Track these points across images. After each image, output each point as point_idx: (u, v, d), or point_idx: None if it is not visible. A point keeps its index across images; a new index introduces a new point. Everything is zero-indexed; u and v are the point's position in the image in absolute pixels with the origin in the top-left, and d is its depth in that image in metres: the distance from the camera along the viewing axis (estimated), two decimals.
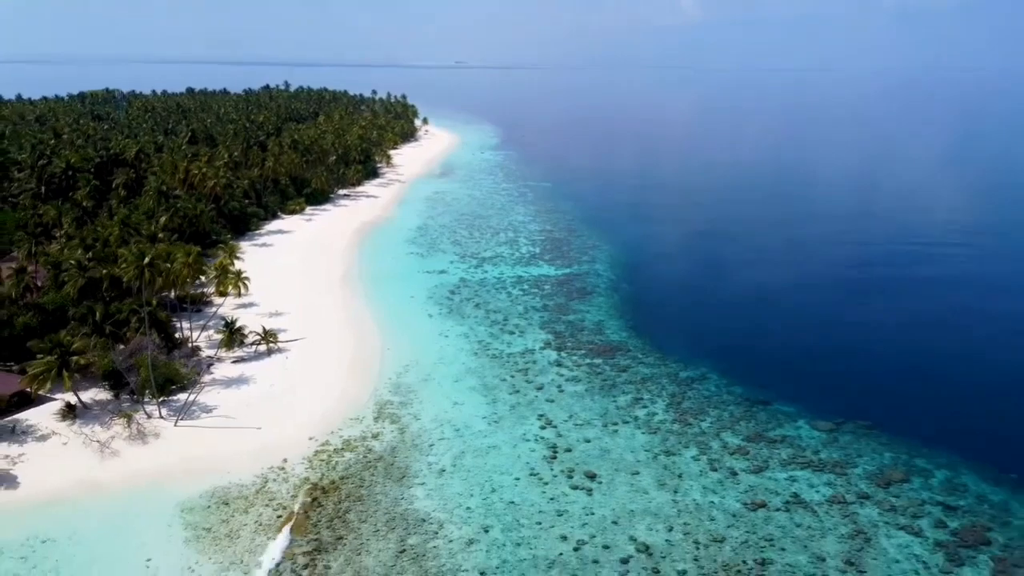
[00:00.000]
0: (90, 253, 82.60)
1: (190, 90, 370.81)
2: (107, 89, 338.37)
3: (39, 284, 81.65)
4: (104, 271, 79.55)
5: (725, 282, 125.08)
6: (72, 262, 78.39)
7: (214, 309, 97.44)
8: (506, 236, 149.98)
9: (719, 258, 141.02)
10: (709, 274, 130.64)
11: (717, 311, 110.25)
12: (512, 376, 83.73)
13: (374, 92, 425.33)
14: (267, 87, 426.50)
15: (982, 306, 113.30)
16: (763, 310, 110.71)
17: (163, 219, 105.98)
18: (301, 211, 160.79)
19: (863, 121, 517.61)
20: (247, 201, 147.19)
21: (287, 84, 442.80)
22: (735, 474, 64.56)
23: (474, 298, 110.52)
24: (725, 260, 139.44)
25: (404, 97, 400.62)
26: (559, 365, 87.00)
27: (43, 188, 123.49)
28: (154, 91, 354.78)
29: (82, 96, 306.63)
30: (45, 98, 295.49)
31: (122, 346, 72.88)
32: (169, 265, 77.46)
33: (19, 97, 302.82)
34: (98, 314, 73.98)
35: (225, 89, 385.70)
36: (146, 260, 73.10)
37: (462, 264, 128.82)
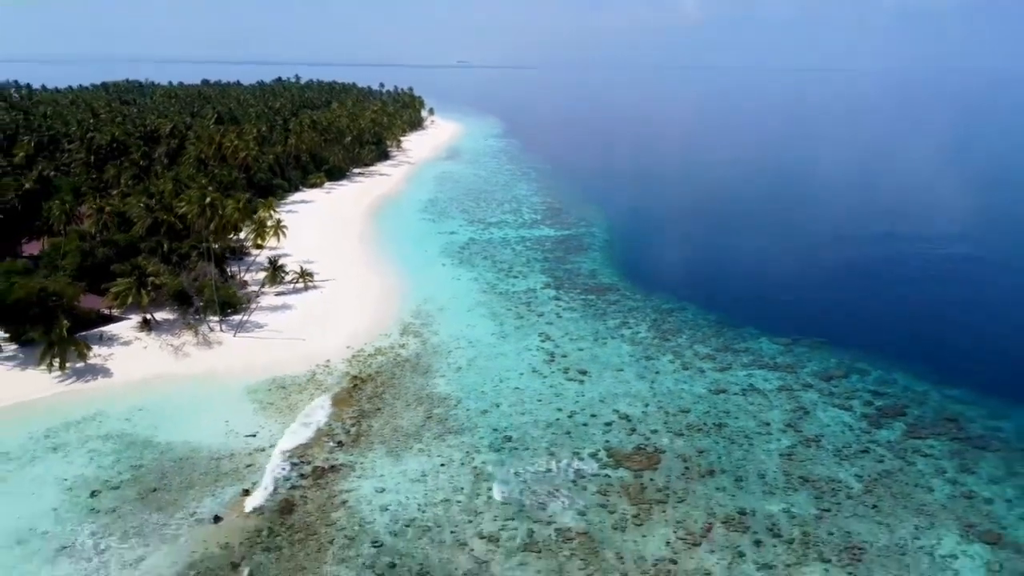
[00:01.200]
0: (152, 200, 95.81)
1: (205, 81, 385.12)
2: (127, 80, 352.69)
3: (109, 227, 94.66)
4: (166, 215, 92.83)
5: (706, 240, 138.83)
6: (140, 205, 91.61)
7: (253, 258, 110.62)
8: (510, 206, 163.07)
9: (702, 222, 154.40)
10: (692, 233, 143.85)
11: (698, 263, 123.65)
12: (516, 307, 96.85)
13: (381, 85, 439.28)
14: (279, 79, 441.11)
15: (933, 249, 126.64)
16: (737, 260, 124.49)
17: (204, 183, 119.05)
18: (321, 184, 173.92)
19: (862, 117, 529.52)
20: (271, 174, 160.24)
21: (298, 77, 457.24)
22: (702, 371, 77.70)
23: (482, 252, 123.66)
24: (707, 223, 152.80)
25: (411, 89, 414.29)
26: (557, 300, 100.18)
27: (92, 157, 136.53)
28: (170, 82, 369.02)
29: (105, 86, 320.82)
30: (71, 87, 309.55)
31: (187, 273, 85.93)
32: (224, 209, 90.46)
33: (44, 88, 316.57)
34: (165, 247, 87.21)
35: (238, 81, 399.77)
36: (207, 200, 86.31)
37: (470, 227, 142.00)
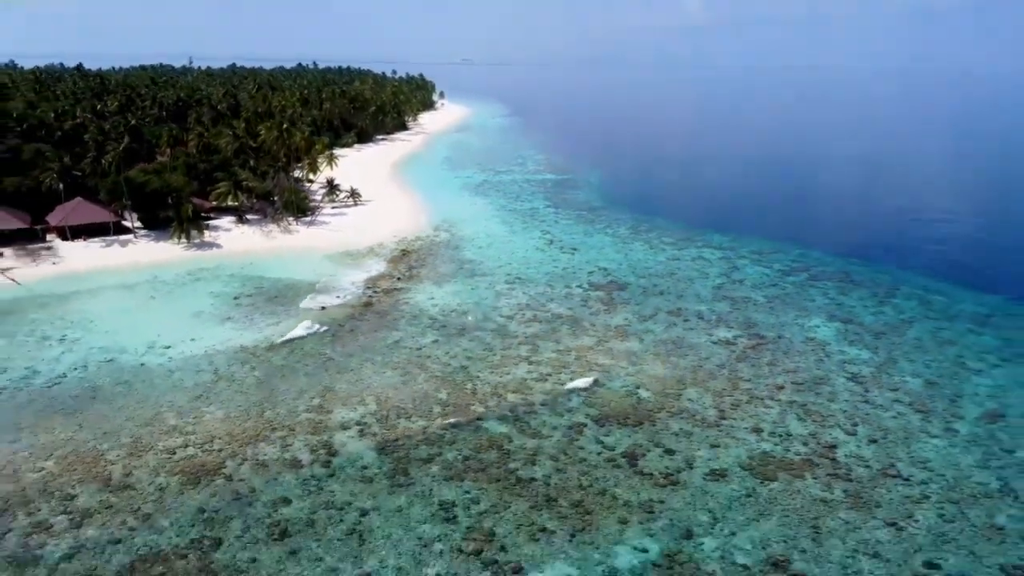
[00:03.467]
0: (233, 133, 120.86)
1: (233, 66, 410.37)
2: (161, 64, 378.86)
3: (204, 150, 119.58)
4: (251, 140, 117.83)
5: (677, 180, 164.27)
6: (228, 134, 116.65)
7: (311, 184, 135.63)
8: (516, 162, 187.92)
9: (675, 169, 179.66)
10: (666, 176, 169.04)
11: (670, 195, 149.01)
12: (523, 218, 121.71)
13: (394, 72, 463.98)
14: (300, 64, 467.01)
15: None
16: (700, 191, 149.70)
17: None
18: (351, 145, 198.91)
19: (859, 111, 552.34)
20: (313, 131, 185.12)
21: (315, 64, 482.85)
22: (664, 250, 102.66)
23: (494, 188, 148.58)
24: (678, 169, 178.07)
25: (421, 76, 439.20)
26: (555, 213, 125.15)
27: (164, 113, 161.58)
28: (199, 67, 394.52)
29: (143, 68, 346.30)
30: (113, 68, 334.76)
31: (270, 180, 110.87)
32: (293, 137, 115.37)
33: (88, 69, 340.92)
34: (252, 162, 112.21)
35: (260, 67, 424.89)
36: (284, 126, 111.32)
37: (483, 173, 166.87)
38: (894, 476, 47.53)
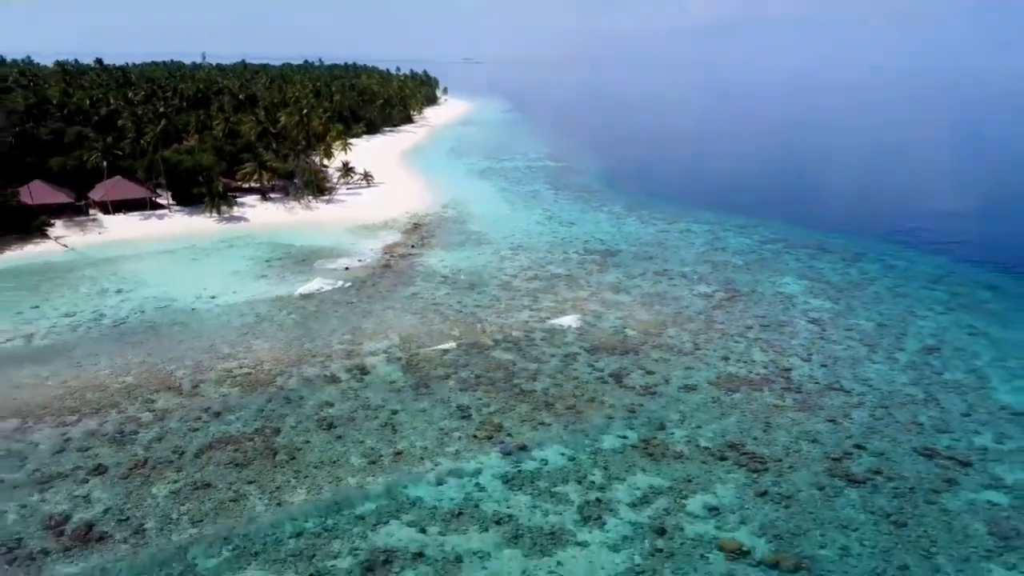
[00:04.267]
0: (256, 118, 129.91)
1: (242, 62, 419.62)
2: (172, 60, 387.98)
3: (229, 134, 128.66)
4: (271, 126, 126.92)
5: (671, 166, 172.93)
6: (251, 119, 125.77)
7: (327, 168, 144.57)
8: (518, 151, 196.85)
9: (668, 157, 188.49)
10: (661, 163, 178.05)
11: (665, 180, 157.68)
12: (525, 198, 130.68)
13: (398, 68, 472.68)
14: (306, 61, 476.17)
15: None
16: (691, 176, 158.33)
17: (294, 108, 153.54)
18: (360, 135, 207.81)
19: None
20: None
21: (321, 61, 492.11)
22: (655, 224, 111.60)
23: (497, 173, 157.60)
24: (672, 156, 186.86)
25: (425, 72, 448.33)
26: (555, 195, 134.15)
27: (184, 103, 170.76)
28: (210, 64, 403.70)
29: (155, 63, 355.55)
30: (127, 64, 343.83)
31: (291, 160, 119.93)
32: (312, 121, 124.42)
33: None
34: (274, 145, 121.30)
35: (268, 63, 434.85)
36: (304, 111, 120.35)
37: (486, 160, 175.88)
38: (838, 389, 56.49)
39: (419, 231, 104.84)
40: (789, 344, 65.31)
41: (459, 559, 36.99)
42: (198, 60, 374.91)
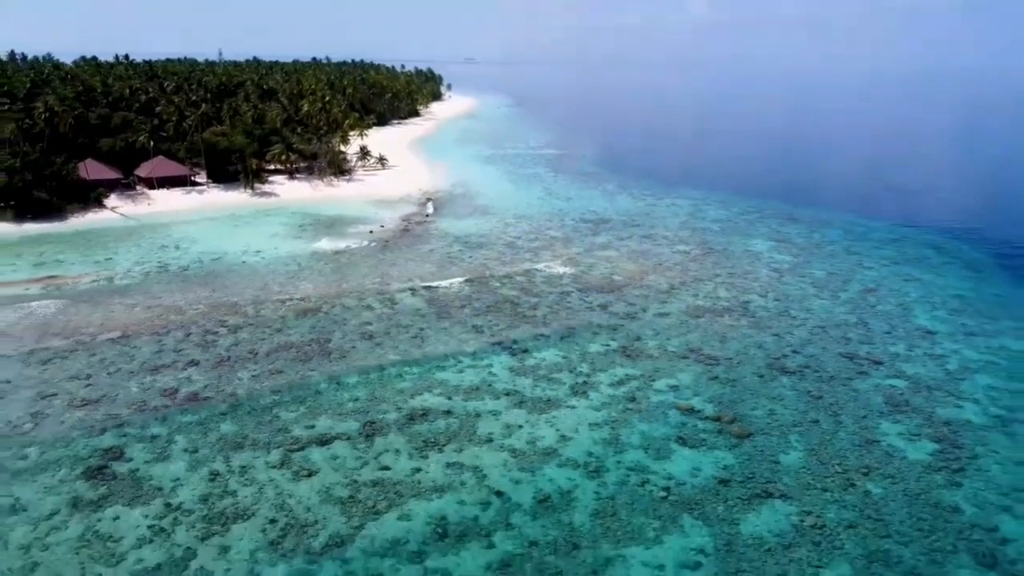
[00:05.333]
0: (282, 106, 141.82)
1: (255, 59, 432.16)
2: (184, 57, 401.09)
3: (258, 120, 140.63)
4: (295, 113, 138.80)
5: (663, 150, 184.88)
6: (278, 106, 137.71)
7: (345, 153, 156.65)
8: (521, 140, 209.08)
9: (660, 144, 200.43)
10: (654, 147, 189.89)
11: (656, 163, 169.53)
12: (527, 180, 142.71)
13: (403, 66, 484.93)
14: (314, 59, 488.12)
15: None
16: (678, 160, 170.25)
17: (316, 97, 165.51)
18: (370, 127, 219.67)
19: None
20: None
21: (328, 58, 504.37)
22: (644, 200, 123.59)
23: (501, 159, 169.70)
24: (664, 144, 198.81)
25: (430, 69, 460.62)
26: (554, 176, 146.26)
27: (208, 94, 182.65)
28: (223, 60, 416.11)
29: (169, 60, 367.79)
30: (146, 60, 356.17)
31: (315, 143, 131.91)
32: (333, 108, 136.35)
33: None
34: (299, 130, 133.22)
35: (277, 61, 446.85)
36: (326, 99, 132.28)
37: (491, 148, 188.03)
38: (785, 315, 68.42)
39: (432, 204, 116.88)
40: (750, 286, 77.25)
41: (478, 415, 48.90)
42: (211, 57, 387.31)
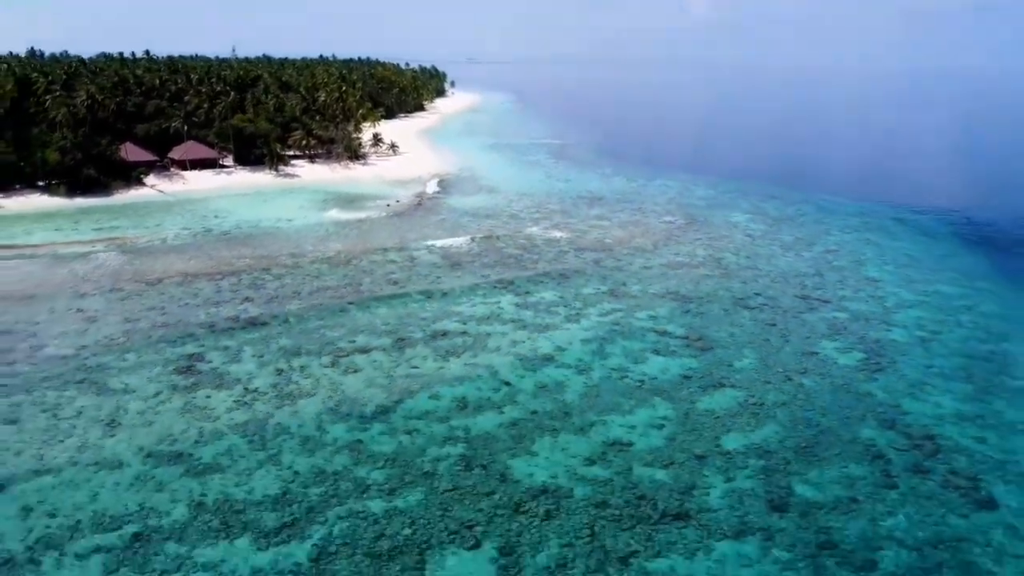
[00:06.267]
0: (301, 95, 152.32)
1: (265, 56, 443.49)
2: (195, 54, 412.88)
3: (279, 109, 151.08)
4: (312, 104, 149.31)
5: (655, 141, 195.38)
6: (297, 96, 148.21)
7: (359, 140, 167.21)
8: (523, 133, 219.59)
9: (659, 137, 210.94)
10: (648, 139, 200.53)
11: (650, 151, 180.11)
12: (529, 166, 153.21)
13: (407, 63, 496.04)
14: (321, 56, 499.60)
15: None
16: (670, 150, 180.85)
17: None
18: (379, 119, 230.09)
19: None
20: None
21: (335, 56, 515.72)
22: (636, 181, 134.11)
23: (504, 147, 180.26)
24: (656, 136, 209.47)
25: (434, 67, 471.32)
26: (554, 162, 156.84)
27: (227, 87, 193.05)
28: (235, 57, 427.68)
29: (182, 57, 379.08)
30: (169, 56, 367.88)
31: (333, 129, 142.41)
32: (348, 98, 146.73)
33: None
34: (317, 117, 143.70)
35: (287, 58, 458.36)
36: (343, 88, 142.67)
37: (494, 138, 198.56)
38: (752, 268, 78.78)
39: (442, 184, 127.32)
40: (726, 247, 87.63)
41: (489, 335, 59.21)
42: (220, 55, 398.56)
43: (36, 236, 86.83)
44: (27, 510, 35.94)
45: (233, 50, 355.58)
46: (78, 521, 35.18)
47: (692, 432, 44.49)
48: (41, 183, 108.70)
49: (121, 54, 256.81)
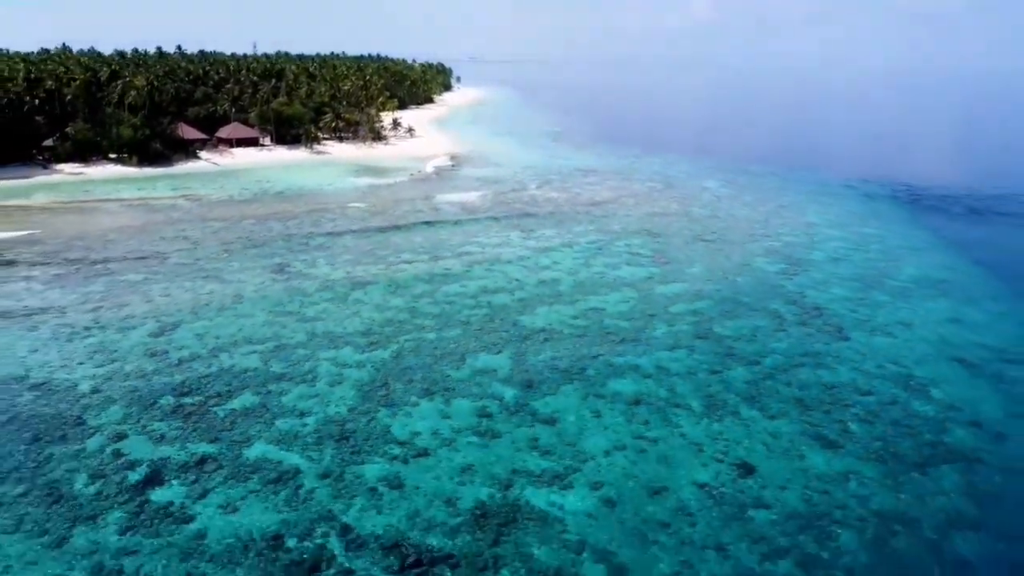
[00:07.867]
0: (329, 83, 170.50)
1: (282, 52, 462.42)
2: (214, 50, 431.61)
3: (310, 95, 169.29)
4: (337, 91, 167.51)
5: (649, 128, 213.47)
6: (326, 84, 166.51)
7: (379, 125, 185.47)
8: (527, 123, 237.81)
9: (645, 124, 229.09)
10: (641, 129, 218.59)
11: (644, 137, 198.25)
12: (532, 147, 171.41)
13: (414, 60, 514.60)
14: (332, 53, 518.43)
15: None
16: (662, 136, 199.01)
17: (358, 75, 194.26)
18: (392, 110, 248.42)
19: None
20: None
21: (344, 52, 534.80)
22: (627, 159, 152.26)
23: (510, 133, 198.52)
24: (648, 125, 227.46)
25: (440, 63, 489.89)
26: (555, 145, 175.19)
27: (254, 78, 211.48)
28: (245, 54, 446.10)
29: (202, 52, 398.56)
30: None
31: (358, 113, 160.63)
32: (372, 86, 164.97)
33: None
34: (344, 103, 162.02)
35: (302, 54, 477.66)
36: (367, 78, 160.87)
37: (500, 127, 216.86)
38: (714, 217, 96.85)
39: (457, 159, 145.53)
40: (694, 203, 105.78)
41: (501, 253, 77.28)
42: (246, 51, 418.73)
43: (126, 194, 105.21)
44: (199, 335, 54.06)
45: (254, 46, 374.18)
46: (235, 340, 53.31)
47: (648, 304, 62.58)
48: (113, 156, 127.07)
49: (159, 48, 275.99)
